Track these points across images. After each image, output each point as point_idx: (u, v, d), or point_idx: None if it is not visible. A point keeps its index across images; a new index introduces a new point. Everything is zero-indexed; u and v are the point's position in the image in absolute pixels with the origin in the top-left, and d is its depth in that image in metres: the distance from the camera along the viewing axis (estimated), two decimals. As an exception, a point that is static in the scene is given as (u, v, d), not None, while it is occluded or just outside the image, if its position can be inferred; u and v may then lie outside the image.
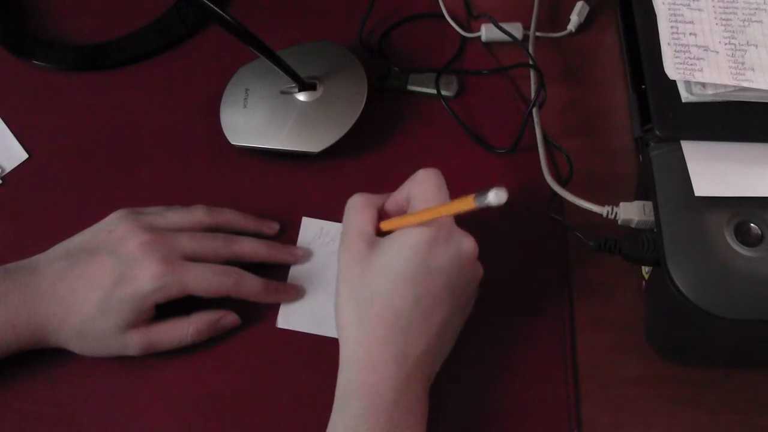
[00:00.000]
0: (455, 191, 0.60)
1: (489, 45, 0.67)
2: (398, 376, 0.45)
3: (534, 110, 0.60)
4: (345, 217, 0.51)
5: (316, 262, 0.57)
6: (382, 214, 0.51)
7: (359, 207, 0.51)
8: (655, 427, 0.52)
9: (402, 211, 0.51)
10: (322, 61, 0.62)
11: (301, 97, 0.60)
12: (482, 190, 0.42)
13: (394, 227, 0.49)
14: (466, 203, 0.44)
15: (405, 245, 0.47)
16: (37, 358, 0.52)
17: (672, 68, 0.51)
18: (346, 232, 0.50)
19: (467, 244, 0.49)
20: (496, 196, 0.41)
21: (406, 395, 0.45)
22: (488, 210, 0.43)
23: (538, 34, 0.65)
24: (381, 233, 0.50)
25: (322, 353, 0.54)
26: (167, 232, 0.52)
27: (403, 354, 0.46)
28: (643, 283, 0.54)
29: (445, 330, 0.48)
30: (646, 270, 0.54)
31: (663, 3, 0.55)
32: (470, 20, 0.68)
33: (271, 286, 0.55)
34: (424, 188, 0.50)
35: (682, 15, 0.54)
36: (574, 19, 0.66)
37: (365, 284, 0.47)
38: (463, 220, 0.50)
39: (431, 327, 0.47)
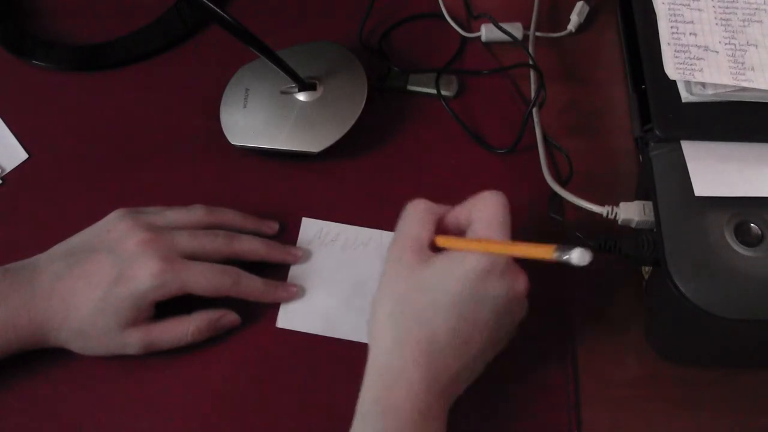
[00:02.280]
0: (456, 191, 0.60)
1: (489, 45, 0.67)
2: (425, 399, 0.45)
3: (534, 110, 0.60)
4: (403, 219, 0.49)
5: (316, 262, 0.57)
6: (440, 227, 0.49)
7: (420, 213, 0.49)
8: (654, 428, 0.52)
9: (459, 229, 0.49)
10: (322, 61, 0.62)
11: (301, 97, 0.60)
12: (566, 246, 0.40)
13: (452, 246, 0.47)
14: (544, 251, 0.41)
15: (459, 269, 0.45)
16: (37, 358, 0.52)
17: (672, 68, 0.51)
18: (400, 237, 0.48)
19: (520, 281, 0.47)
20: (581, 256, 0.39)
21: (428, 417, 0.45)
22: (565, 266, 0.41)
23: (538, 34, 0.65)
24: (434, 247, 0.48)
25: (322, 353, 0.54)
26: (166, 231, 0.52)
27: (432, 378, 0.45)
28: (643, 283, 0.54)
29: (477, 360, 0.47)
30: (646, 270, 0.54)
31: (663, 3, 0.55)
32: (470, 20, 0.68)
33: (270, 286, 0.55)
34: (489, 214, 0.47)
35: (682, 15, 0.54)
36: (574, 19, 0.66)
37: (409, 301, 0.46)
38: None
39: (465, 356, 0.46)
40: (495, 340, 0.48)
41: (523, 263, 0.54)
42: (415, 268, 0.47)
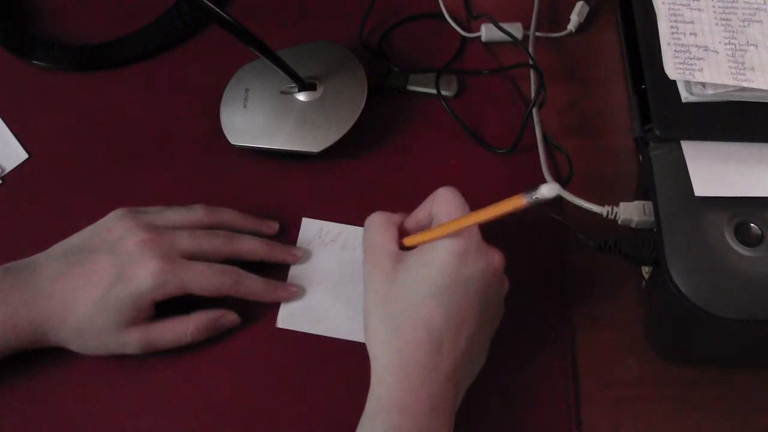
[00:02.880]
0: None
1: (489, 45, 0.67)
2: (429, 392, 0.45)
3: (534, 110, 0.60)
4: (365, 235, 0.51)
5: (316, 263, 0.57)
6: (402, 233, 0.50)
7: (380, 225, 0.50)
8: (654, 427, 0.52)
9: (422, 230, 0.50)
10: (322, 61, 0.62)
11: (301, 97, 0.60)
12: (531, 187, 0.41)
13: (420, 242, 0.48)
14: (516, 202, 0.43)
15: (435, 258, 0.47)
16: (37, 358, 0.52)
17: (672, 68, 0.51)
18: (369, 249, 0.50)
19: (495, 256, 0.48)
20: (549, 189, 0.40)
21: (436, 411, 0.45)
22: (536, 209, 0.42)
23: (538, 34, 0.65)
24: (404, 249, 0.49)
25: (321, 353, 0.54)
26: (166, 231, 0.52)
27: (434, 369, 0.45)
28: (643, 283, 0.54)
29: (474, 343, 0.48)
30: (646, 270, 0.54)
31: (663, 3, 0.55)
32: (470, 20, 0.68)
33: (270, 285, 0.55)
34: (447, 206, 0.49)
35: (682, 15, 0.54)
36: (574, 19, 0.66)
37: (394, 300, 0.47)
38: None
39: (461, 340, 0.46)
40: (487, 318, 0.49)
41: (516, 261, 0.54)
42: (392, 269, 0.48)
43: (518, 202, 0.43)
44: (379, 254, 0.49)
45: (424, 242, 0.48)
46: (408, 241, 0.49)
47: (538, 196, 0.41)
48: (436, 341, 0.46)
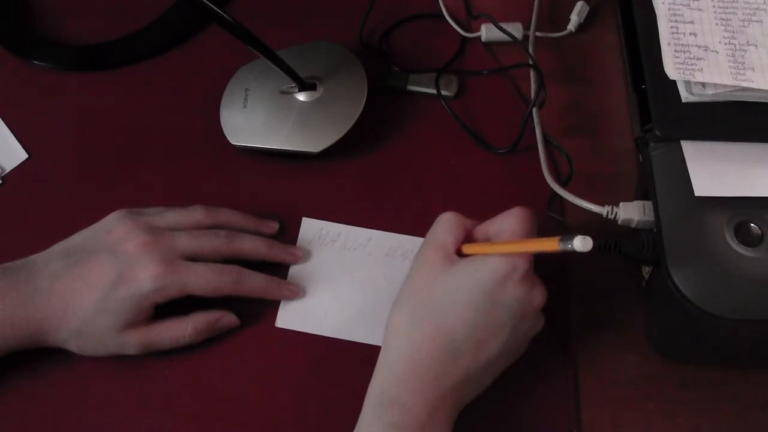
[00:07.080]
0: (456, 191, 0.60)
1: (489, 45, 0.67)
2: (433, 397, 0.45)
3: (534, 110, 0.60)
4: (433, 228, 0.51)
5: (316, 263, 0.57)
6: (468, 240, 0.50)
7: (448, 223, 0.50)
8: (655, 427, 0.52)
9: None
10: (322, 61, 0.62)
11: (301, 97, 0.60)
12: (568, 236, 0.42)
13: (474, 252, 0.49)
14: (550, 244, 0.44)
15: (479, 272, 0.47)
16: (37, 358, 0.52)
17: (672, 68, 0.51)
18: (428, 242, 0.50)
19: (539, 292, 0.48)
20: (582, 243, 0.41)
21: (435, 418, 0.45)
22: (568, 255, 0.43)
23: (538, 34, 0.65)
24: (461, 255, 0.49)
25: (320, 353, 0.54)
26: (166, 233, 0.52)
27: (443, 376, 0.45)
28: (643, 283, 0.54)
29: (489, 366, 0.48)
30: (646, 270, 0.54)
31: (663, 3, 0.55)
32: (470, 20, 0.68)
33: (272, 282, 0.55)
34: (514, 224, 0.49)
35: (682, 15, 0.54)
36: (574, 19, 0.66)
37: (428, 296, 0.47)
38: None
39: (478, 359, 0.46)
40: (509, 349, 0.48)
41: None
42: (439, 269, 0.48)
43: (553, 245, 0.43)
44: (434, 250, 0.49)
45: (477, 254, 0.48)
46: (465, 249, 0.49)
47: (570, 246, 0.42)
48: (453, 351, 0.46)
